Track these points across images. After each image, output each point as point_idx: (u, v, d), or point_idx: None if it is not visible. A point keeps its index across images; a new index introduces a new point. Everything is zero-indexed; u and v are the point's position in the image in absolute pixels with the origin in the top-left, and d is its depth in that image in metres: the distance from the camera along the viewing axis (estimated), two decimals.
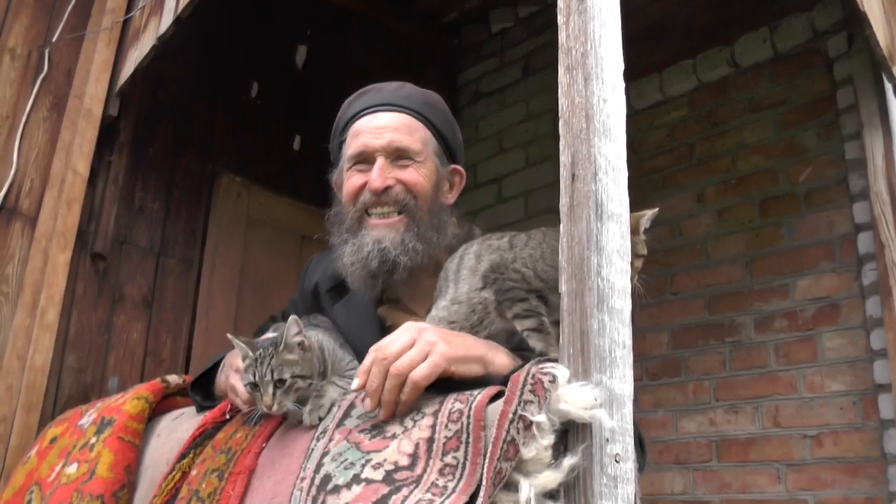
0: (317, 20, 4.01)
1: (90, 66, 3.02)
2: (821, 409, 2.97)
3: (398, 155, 1.76)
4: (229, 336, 1.46)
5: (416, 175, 1.76)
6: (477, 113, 4.57)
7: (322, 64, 3.94)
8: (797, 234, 3.19)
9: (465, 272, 1.51)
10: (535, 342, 1.41)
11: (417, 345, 1.31)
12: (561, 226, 1.30)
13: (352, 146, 1.79)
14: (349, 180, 1.80)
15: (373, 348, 1.32)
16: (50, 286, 2.69)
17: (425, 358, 1.29)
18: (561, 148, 1.34)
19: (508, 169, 4.17)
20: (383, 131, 1.76)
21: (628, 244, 1.30)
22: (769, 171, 3.32)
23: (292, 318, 1.44)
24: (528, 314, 1.44)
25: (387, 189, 1.74)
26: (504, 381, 1.29)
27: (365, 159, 1.77)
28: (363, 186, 1.76)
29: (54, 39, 3.04)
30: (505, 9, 4.55)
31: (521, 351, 1.45)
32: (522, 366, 1.33)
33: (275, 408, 1.39)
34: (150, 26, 2.90)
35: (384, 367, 1.28)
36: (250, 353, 1.43)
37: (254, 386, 1.41)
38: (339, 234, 1.80)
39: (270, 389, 1.39)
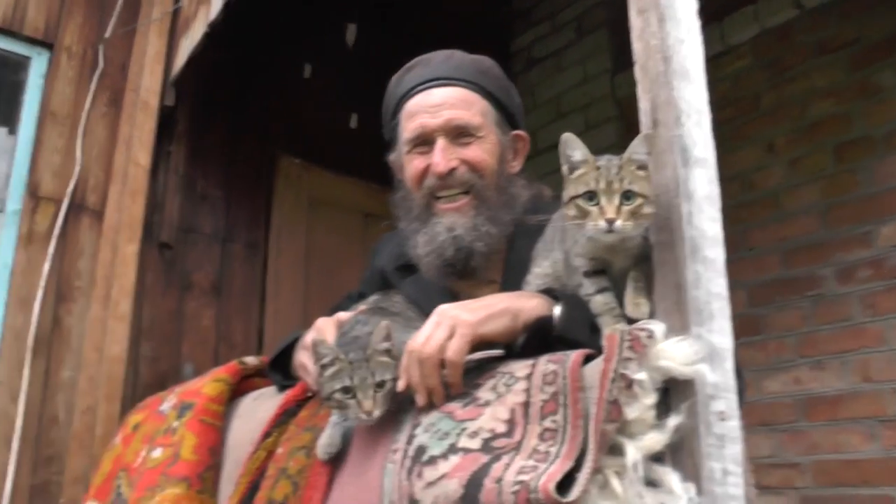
0: None
1: (144, 59, 3.04)
2: None
3: (458, 132, 1.68)
4: (320, 339, 1.37)
5: (480, 152, 1.68)
6: (532, 79, 4.48)
7: (373, 40, 3.90)
8: (876, 179, 3.04)
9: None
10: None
11: (441, 326, 1.28)
12: None
13: (408, 128, 1.72)
14: (410, 164, 1.73)
15: (405, 347, 1.30)
16: (120, 278, 2.73)
17: (452, 335, 1.26)
18: (639, 94, 1.28)
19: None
20: (439, 109, 1.68)
21: (717, 190, 1.23)
22: (842, 116, 3.17)
23: (383, 324, 1.36)
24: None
25: (451, 171, 1.66)
26: (541, 324, 1.30)
27: (424, 141, 1.70)
28: (426, 170, 1.69)
29: (107, 35, 3.07)
30: None
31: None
32: (557, 302, 1.33)
33: (375, 412, 1.29)
34: (200, 14, 2.89)
35: (417, 359, 1.26)
36: (340, 356, 1.34)
37: (346, 391, 1.31)
38: (409, 222, 1.74)
39: (371, 392, 1.30)
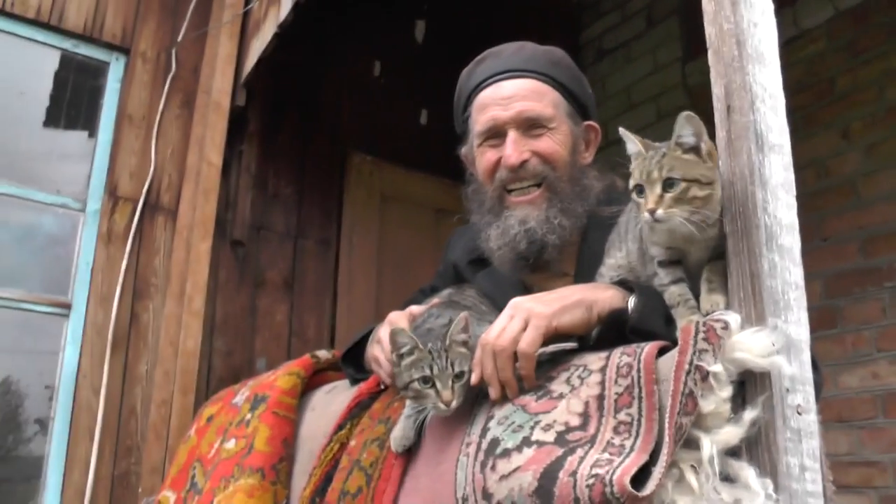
0: None
1: (215, 61, 3.12)
2: None
3: (530, 124, 1.67)
4: (399, 327, 1.37)
5: (552, 143, 1.67)
6: (602, 70, 4.44)
7: (442, 36, 3.92)
8: None
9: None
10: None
11: (514, 318, 1.28)
12: (720, 161, 1.21)
13: (479, 120, 1.72)
14: (482, 157, 1.72)
15: (479, 340, 1.30)
16: (194, 274, 2.81)
17: (526, 327, 1.26)
18: (713, 79, 1.26)
19: (640, 124, 4.01)
20: (511, 101, 1.67)
21: (792, 176, 1.20)
22: None
23: (463, 315, 1.36)
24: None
25: (523, 163, 1.65)
26: (616, 316, 1.29)
27: (496, 133, 1.69)
28: (498, 162, 1.68)
29: (179, 39, 3.15)
30: None
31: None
32: (631, 292, 1.31)
33: (454, 403, 1.29)
34: (270, 15, 2.94)
35: (491, 352, 1.26)
36: (420, 345, 1.34)
37: (425, 381, 1.31)
38: (481, 215, 1.74)
39: (450, 383, 1.30)
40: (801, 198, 3.33)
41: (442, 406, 1.29)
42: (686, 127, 1.21)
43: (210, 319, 2.91)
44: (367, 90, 3.66)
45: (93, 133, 2.98)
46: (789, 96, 3.60)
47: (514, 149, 1.65)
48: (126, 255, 2.80)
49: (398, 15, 3.86)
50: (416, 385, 1.32)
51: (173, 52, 3.14)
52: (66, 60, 3.02)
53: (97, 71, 3.06)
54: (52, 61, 3.01)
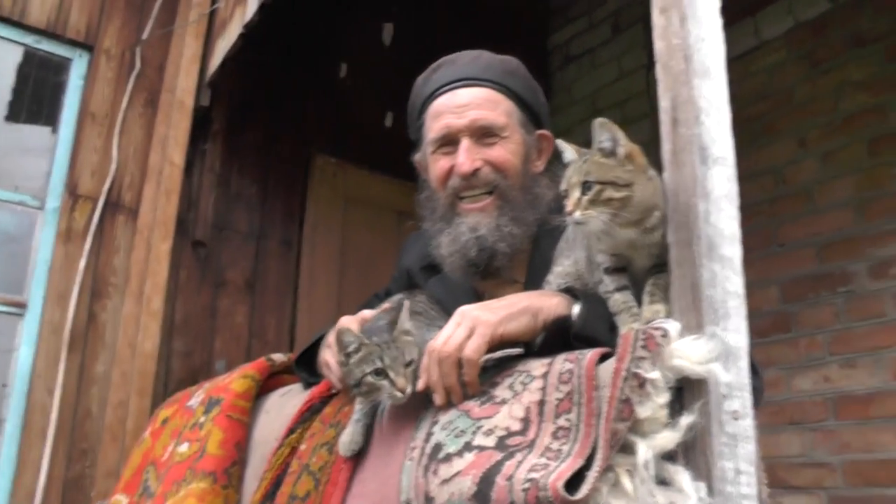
0: None
1: (180, 60, 3.11)
2: None
3: (483, 133, 1.68)
4: (343, 327, 1.39)
5: (504, 152, 1.69)
6: (569, 76, 4.49)
7: (410, 39, 3.93)
8: None
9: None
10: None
11: (461, 326, 1.30)
12: (664, 173, 1.24)
13: (433, 128, 1.72)
14: (435, 164, 1.73)
15: (426, 347, 1.32)
16: (154, 275, 2.80)
17: (472, 334, 1.28)
18: (660, 92, 1.28)
19: None
20: (465, 109, 1.68)
21: (735, 188, 1.23)
22: (877, 109, 3.13)
23: (406, 303, 1.40)
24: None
25: (476, 171, 1.67)
26: (560, 323, 1.31)
27: (449, 141, 1.70)
28: (451, 170, 1.69)
29: (144, 37, 3.13)
30: None
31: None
32: (576, 301, 1.34)
33: (408, 389, 1.32)
34: (236, 15, 2.93)
35: (437, 358, 1.28)
36: (365, 341, 1.36)
37: (377, 373, 1.33)
38: (433, 222, 1.75)
39: (402, 370, 1.33)
40: (759, 204, 3.41)
41: (398, 394, 1.31)
42: (603, 133, 1.26)
43: (169, 320, 2.90)
44: (333, 92, 3.67)
45: (54, 130, 2.95)
46: (749, 105, 3.69)
47: (466, 156, 1.66)
48: (85, 254, 2.77)
49: (366, 17, 3.87)
50: (368, 378, 1.33)
51: (138, 50, 3.12)
52: (29, 56, 2.99)
53: (60, 67, 3.03)
54: (14, 56, 2.98)
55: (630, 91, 4.06)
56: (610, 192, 1.21)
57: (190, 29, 3.15)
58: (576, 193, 1.23)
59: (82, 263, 2.76)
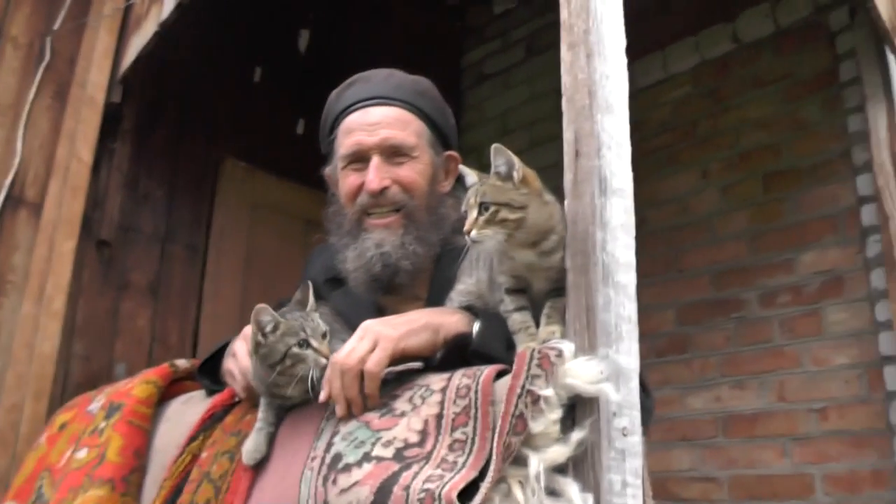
0: (319, 3, 4.00)
1: (92, 54, 3.02)
2: (826, 382, 2.98)
3: (393, 152, 1.73)
4: (260, 306, 1.43)
5: (412, 173, 1.74)
6: (481, 94, 4.56)
7: (325, 47, 3.94)
8: (801, 209, 3.18)
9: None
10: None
11: (364, 339, 1.34)
12: (566, 201, 1.31)
13: (344, 144, 1.76)
14: (345, 180, 1.77)
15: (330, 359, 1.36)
16: (56, 274, 2.71)
17: (374, 348, 1.32)
18: (564, 125, 1.35)
19: (513, 149, 4.08)
20: (376, 128, 1.72)
21: (632, 219, 1.31)
22: (772, 146, 3.32)
23: (310, 285, 1.48)
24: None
25: (384, 190, 1.71)
26: (460, 340, 1.38)
27: (360, 158, 1.74)
28: (360, 187, 1.73)
29: (56, 27, 3.03)
30: None
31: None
32: (476, 319, 1.42)
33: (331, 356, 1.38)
34: (152, 13, 2.89)
35: (339, 370, 1.32)
36: (282, 319, 1.42)
37: (301, 344, 1.39)
38: (339, 237, 1.79)
39: (322, 340, 1.40)
40: (662, 231, 3.55)
41: (322, 360, 1.38)
42: (499, 157, 1.34)
43: (70, 322, 2.80)
44: (245, 96, 3.63)
45: None
46: (655, 135, 3.83)
47: (376, 174, 1.70)
48: None
49: (282, 23, 3.86)
50: (294, 350, 1.39)
51: (48, 40, 3.01)
52: None
53: None
54: None
55: (540, 113, 4.14)
56: (505, 214, 1.29)
57: (104, 22, 3.07)
58: (473, 214, 1.31)
59: None
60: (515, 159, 1.33)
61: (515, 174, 1.33)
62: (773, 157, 3.31)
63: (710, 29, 3.59)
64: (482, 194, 1.31)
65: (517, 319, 1.34)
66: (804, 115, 3.24)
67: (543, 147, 3.96)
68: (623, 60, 1.40)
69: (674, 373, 3.41)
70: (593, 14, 1.37)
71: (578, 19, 1.39)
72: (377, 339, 1.33)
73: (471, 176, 1.40)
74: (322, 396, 1.34)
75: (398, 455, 1.15)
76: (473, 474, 1.05)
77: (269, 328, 1.42)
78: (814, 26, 3.27)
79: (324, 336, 1.41)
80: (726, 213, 3.41)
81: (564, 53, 1.40)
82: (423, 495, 1.02)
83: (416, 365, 1.36)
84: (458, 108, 4.49)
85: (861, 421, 2.86)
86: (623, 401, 1.20)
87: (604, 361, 1.18)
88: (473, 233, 1.30)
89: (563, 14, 1.42)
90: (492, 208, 1.29)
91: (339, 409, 1.31)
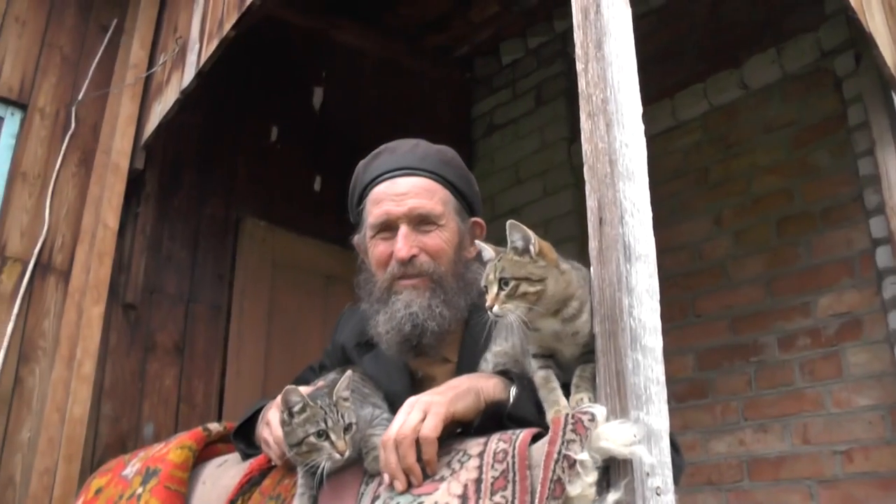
0: (332, 62, 4.11)
1: (116, 121, 3.11)
2: (849, 424, 2.98)
3: (421, 220, 1.77)
4: (291, 387, 1.46)
5: (439, 241, 1.78)
6: (492, 144, 4.63)
7: (339, 104, 4.03)
8: (815, 252, 3.22)
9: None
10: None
11: (413, 411, 1.36)
12: (591, 269, 1.35)
13: (374, 213, 1.81)
14: (375, 249, 1.82)
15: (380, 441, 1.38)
16: (85, 339, 2.76)
17: (425, 416, 1.35)
18: (587, 193, 1.39)
19: (526, 199, 4.23)
20: (404, 198, 1.77)
21: (656, 283, 1.35)
22: (784, 191, 3.36)
23: (348, 373, 1.49)
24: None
25: (412, 258, 1.75)
26: (497, 405, 1.40)
27: (388, 227, 1.78)
28: (390, 255, 1.77)
29: (80, 97, 3.13)
30: (515, 40, 4.63)
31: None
32: (512, 382, 1.44)
33: (347, 452, 1.40)
34: (173, 80, 2.98)
35: (393, 444, 1.33)
36: (310, 402, 1.44)
37: (319, 435, 1.41)
38: (371, 304, 1.82)
39: (342, 434, 1.41)
40: (677, 277, 3.57)
41: (337, 456, 1.40)
42: (515, 233, 1.36)
43: (98, 384, 2.85)
44: (263, 155, 3.72)
45: None
46: (667, 181, 3.87)
47: (404, 243, 1.74)
48: (13, 317, 2.72)
49: (297, 82, 3.96)
50: (311, 439, 1.41)
51: (73, 109, 3.11)
52: None
53: None
54: None
55: (552, 162, 4.19)
56: (525, 287, 1.32)
57: (126, 90, 3.16)
58: (493, 289, 1.34)
59: (10, 326, 2.70)
60: (531, 234, 1.36)
61: (532, 248, 1.36)
62: (785, 201, 3.35)
63: (717, 75, 3.65)
64: (501, 269, 1.35)
65: (540, 376, 1.38)
66: (814, 160, 3.29)
67: (556, 196, 4.01)
68: (640, 128, 1.45)
69: (695, 418, 3.42)
70: (610, 84, 1.42)
71: (596, 89, 1.44)
72: (427, 407, 1.35)
73: (487, 251, 1.43)
74: (386, 480, 1.34)
75: None
76: None
77: (296, 408, 1.45)
78: (820, 72, 3.33)
79: (346, 429, 1.43)
80: (741, 258, 3.45)
81: (584, 122, 1.45)
82: None
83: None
84: (470, 159, 4.56)
85: (887, 462, 2.86)
86: (656, 461, 1.23)
87: (635, 424, 1.21)
88: (496, 308, 1.33)
89: (581, 83, 1.48)
90: (512, 283, 1.33)
91: (399, 485, 1.32)
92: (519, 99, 4.60)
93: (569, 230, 3.79)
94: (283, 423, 1.46)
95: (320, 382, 1.67)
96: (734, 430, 3.32)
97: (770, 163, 3.43)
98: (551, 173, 4.18)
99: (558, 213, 3.92)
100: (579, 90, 1.48)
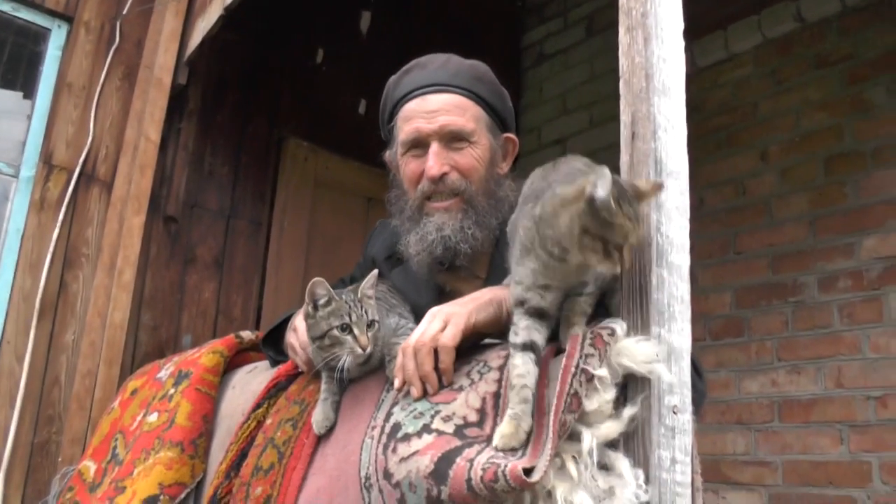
0: None
1: (159, 37, 3.12)
2: (886, 370, 2.93)
3: (452, 137, 1.75)
4: (317, 279, 1.47)
5: (471, 159, 1.76)
6: (541, 74, 4.56)
7: (386, 29, 3.98)
8: (863, 193, 3.13)
9: None
10: None
11: (434, 320, 1.37)
12: None
13: (405, 130, 1.78)
14: (406, 166, 1.80)
15: (400, 347, 1.39)
16: (126, 248, 2.83)
17: (445, 326, 1.35)
18: (621, 107, 1.36)
19: (573, 130, 4.18)
20: (435, 115, 1.74)
21: (687, 201, 1.32)
22: (834, 129, 3.26)
23: (374, 272, 1.52)
24: None
25: (443, 176, 1.74)
26: None
27: (419, 144, 1.77)
28: (421, 173, 1.76)
29: (125, 12, 3.14)
30: None
31: None
32: None
33: (369, 348, 1.42)
34: None
35: (412, 351, 1.34)
36: (336, 297, 1.46)
37: (343, 328, 1.43)
38: (402, 222, 1.82)
39: (365, 329, 1.43)
40: (719, 213, 3.50)
41: (359, 350, 1.42)
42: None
43: (139, 293, 2.93)
44: (307, 76, 3.71)
45: (30, 98, 2.97)
46: (714, 115, 3.77)
47: (435, 160, 1.72)
48: (58, 225, 2.79)
49: (344, 4, 3.91)
50: (334, 332, 1.44)
51: (118, 23, 3.12)
52: (6, 23, 2.99)
53: (38, 37, 3.03)
54: None
55: (600, 93, 4.12)
56: None
57: (170, 6, 3.16)
58: None
59: (55, 233, 2.78)
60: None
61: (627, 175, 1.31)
62: (834, 139, 3.25)
63: (773, 7, 3.53)
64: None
65: (518, 368, 1.21)
66: (868, 97, 3.18)
67: (603, 127, 3.96)
68: (680, 44, 1.41)
69: (729, 356, 3.40)
70: None
71: (636, 2, 1.40)
72: (447, 318, 1.36)
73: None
74: (396, 383, 1.37)
75: (458, 432, 1.19)
76: (534, 462, 1.07)
77: (322, 301, 1.47)
78: (881, 4, 3.19)
79: (369, 325, 1.44)
80: (785, 196, 3.37)
81: (622, 36, 1.41)
82: (488, 466, 1.06)
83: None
84: (518, 88, 4.51)
85: None
86: (674, 380, 1.22)
87: (656, 341, 1.20)
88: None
89: None
90: None
91: (415, 391, 1.33)
92: (570, 29, 4.51)
93: (614, 162, 3.69)
94: (308, 316, 1.48)
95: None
96: (767, 370, 3.29)
97: (821, 99, 3.32)
98: (599, 105, 4.12)
99: (605, 144, 3.83)
100: (619, 3, 1.43)
